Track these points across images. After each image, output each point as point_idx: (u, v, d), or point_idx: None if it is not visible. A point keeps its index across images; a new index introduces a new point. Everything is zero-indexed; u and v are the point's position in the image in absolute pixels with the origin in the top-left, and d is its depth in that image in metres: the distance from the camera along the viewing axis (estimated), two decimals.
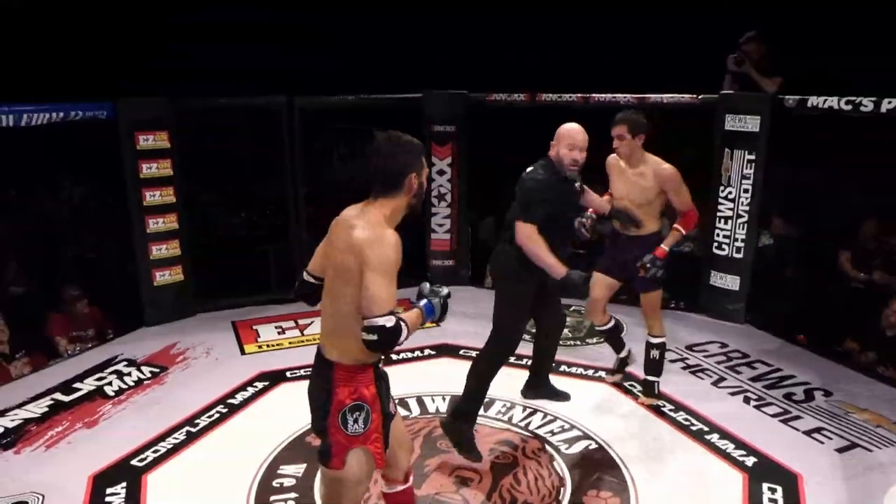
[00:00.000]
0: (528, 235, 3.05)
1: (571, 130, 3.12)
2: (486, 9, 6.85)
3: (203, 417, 3.65)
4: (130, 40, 6.30)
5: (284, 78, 5.77)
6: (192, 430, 3.54)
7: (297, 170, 5.41)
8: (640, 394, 3.92)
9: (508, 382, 4.00)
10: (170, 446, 3.38)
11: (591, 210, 3.57)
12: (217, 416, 3.68)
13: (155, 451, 3.33)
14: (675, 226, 3.59)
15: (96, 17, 6.33)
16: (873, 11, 5.12)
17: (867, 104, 4.08)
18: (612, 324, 3.98)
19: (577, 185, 3.31)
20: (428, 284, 2.25)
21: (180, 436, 3.47)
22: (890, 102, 3.96)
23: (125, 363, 4.36)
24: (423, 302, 2.18)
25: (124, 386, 4.05)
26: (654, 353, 3.82)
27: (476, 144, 5.80)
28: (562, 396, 3.78)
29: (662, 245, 3.54)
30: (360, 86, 5.58)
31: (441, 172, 5.79)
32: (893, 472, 3.20)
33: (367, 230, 2.02)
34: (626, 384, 4.06)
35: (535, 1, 6.82)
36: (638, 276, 3.59)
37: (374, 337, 1.96)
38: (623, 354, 4.09)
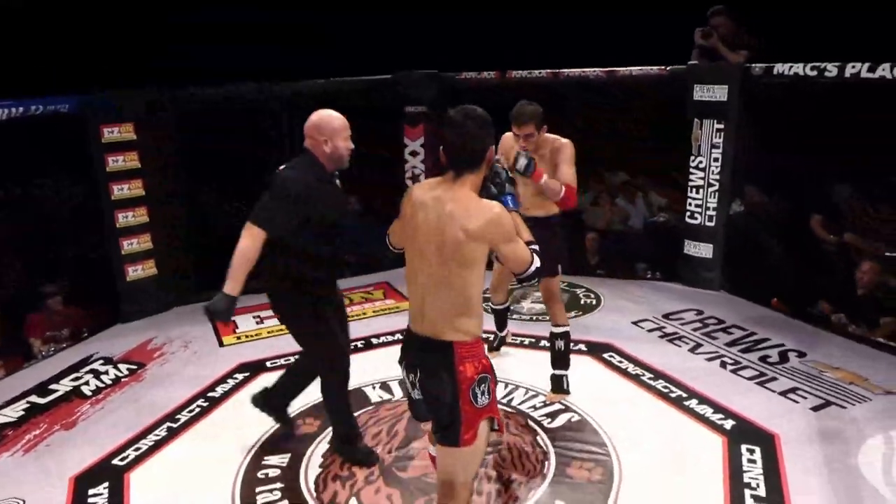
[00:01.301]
0: (252, 236, 2.64)
1: (342, 119, 2.80)
2: None
3: (184, 412, 3.62)
4: (123, 40, 6.12)
5: (269, 76, 5.70)
6: (174, 425, 3.50)
7: (278, 157, 5.36)
8: (548, 392, 3.69)
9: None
10: (151, 443, 3.35)
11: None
12: (198, 410, 3.65)
13: (136, 450, 3.30)
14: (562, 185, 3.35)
15: (95, 17, 6.14)
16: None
17: (832, 69, 4.13)
18: (507, 304, 4.16)
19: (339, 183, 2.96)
20: (488, 183, 2.20)
21: (161, 432, 3.44)
22: (853, 67, 4.01)
23: (101, 361, 4.30)
24: (507, 203, 2.17)
25: (101, 385, 4.00)
26: (559, 343, 3.60)
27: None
28: (286, 422, 3.35)
29: (545, 176, 3.25)
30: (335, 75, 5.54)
31: (414, 153, 5.77)
32: (867, 427, 3.29)
33: (484, 214, 2.04)
34: (604, 355, 4.11)
35: None
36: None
37: (536, 279, 2.31)
38: (504, 333, 4.26)
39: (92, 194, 4.78)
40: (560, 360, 3.64)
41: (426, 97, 5.65)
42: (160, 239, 5.00)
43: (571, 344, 3.70)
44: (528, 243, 2.17)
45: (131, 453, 3.27)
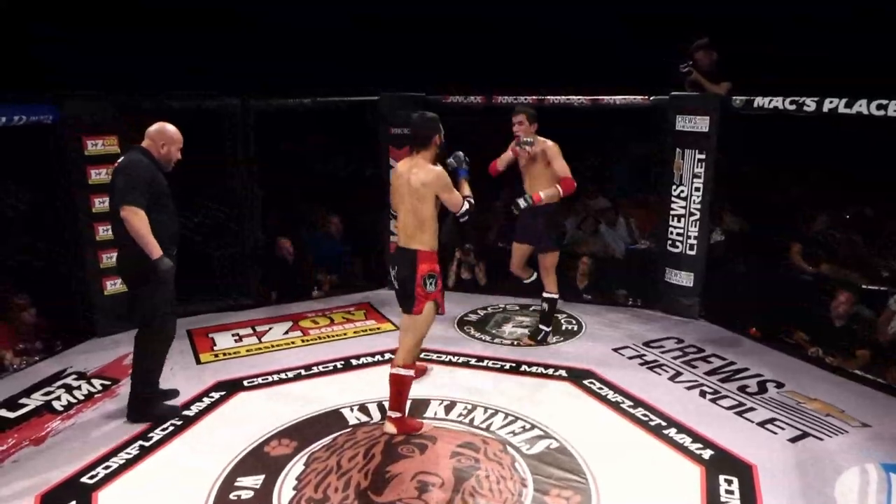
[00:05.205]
0: (138, 215, 3.33)
1: (178, 133, 3.58)
2: (442, 14, 6.88)
3: (156, 430, 3.54)
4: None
5: (237, 80, 5.68)
6: (146, 444, 3.43)
7: (253, 172, 5.36)
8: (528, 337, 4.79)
9: (469, 385, 4.01)
10: (122, 461, 3.27)
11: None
12: (172, 428, 3.58)
13: (106, 468, 3.22)
14: (556, 185, 4.37)
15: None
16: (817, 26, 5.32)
17: (810, 104, 4.22)
18: (533, 277, 4.78)
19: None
20: (452, 160, 3.70)
21: (133, 450, 3.36)
22: (831, 102, 4.10)
23: (75, 376, 4.21)
24: (462, 173, 3.68)
25: (73, 400, 3.91)
26: (544, 304, 4.67)
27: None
28: (170, 394, 3.91)
29: (540, 192, 4.35)
30: (314, 88, 5.54)
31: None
32: (843, 459, 3.31)
33: (430, 173, 3.40)
34: (585, 382, 4.11)
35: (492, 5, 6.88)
36: (538, 239, 4.54)
37: (466, 217, 3.55)
38: (549, 329, 4.78)
39: (70, 206, 4.71)
40: (543, 317, 4.73)
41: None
42: None
43: (560, 371, 4.03)
44: (465, 197, 3.53)
45: (101, 471, 3.19)
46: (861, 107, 3.95)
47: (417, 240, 3.44)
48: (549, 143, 4.39)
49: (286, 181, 6.09)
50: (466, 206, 3.51)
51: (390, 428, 3.49)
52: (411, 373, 3.51)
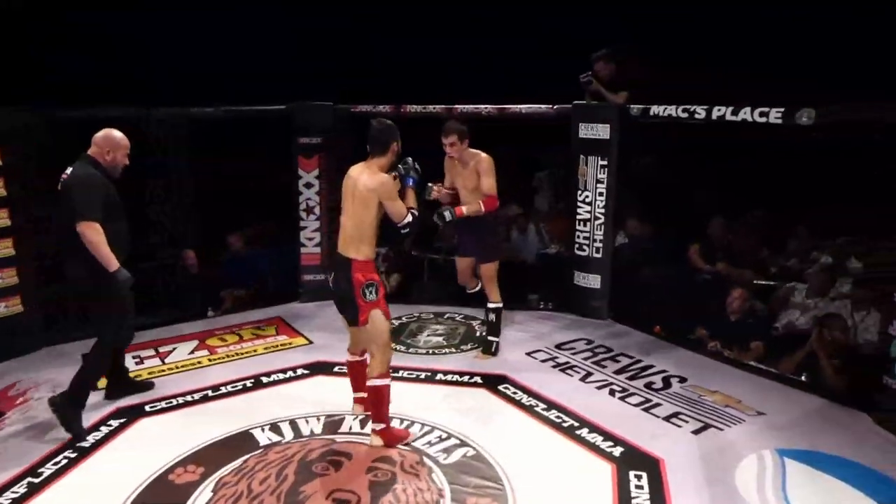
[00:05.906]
0: (96, 229, 3.35)
1: (125, 139, 3.61)
2: (353, 22, 6.82)
3: (48, 465, 3.28)
4: None
5: (143, 87, 5.43)
6: (35, 480, 3.17)
7: (170, 184, 5.24)
8: (479, 351, 4.69)
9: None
10: (7, 503, 3.01)
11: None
12: (65, 462, 3.32)
13: None
14: (479, 202, 4.33)
15: None
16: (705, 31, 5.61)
17: (700, 112, 4.46)
18: (478, 287, 4.77)
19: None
20: (400, 167, 3.50)
21: (20, 489, 3.09)
22: (719, 110, 4.35)
23: None
24: (409, 181, 3.51)
25: None
26: (491, 316, 4.60)
27: (346, 157, 5.71)
28: (146, 386, 4.13)
29: (462, 208, 4.34)
30: (224, 96, 5.37)
31: (308, 185, 5.65)
32: (742, 447, 3.48)
33: (377, 178, 3.34)
34: (500, 387, 4.15)
35: (401, 18, 6.88)
36: (478, 251, 4.54)
37: (408, 229, 3.45)
38: (498, 339, 4.72)
39: None
40: (491, 329, 4.63)
41: (321, 129, 5.59)
42: (28, 273, 4.61)
43: (475, 378, 3.92)
44: (409, 208, 3.42)
45: None
46: (746, 114, 4.20)
47: (354, 248, 3.36)
48: (483, 156, 4.34)
49: (206, 193, 5.84)
50: (410, 217, 3.39)
51: (377, 441, 3.42)
52: (388, 381, 3.43)
